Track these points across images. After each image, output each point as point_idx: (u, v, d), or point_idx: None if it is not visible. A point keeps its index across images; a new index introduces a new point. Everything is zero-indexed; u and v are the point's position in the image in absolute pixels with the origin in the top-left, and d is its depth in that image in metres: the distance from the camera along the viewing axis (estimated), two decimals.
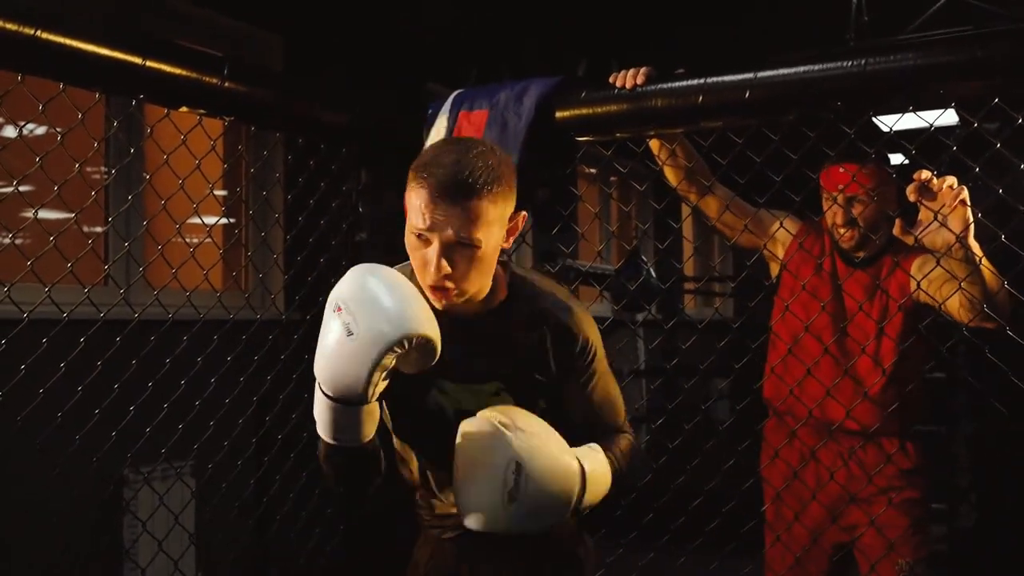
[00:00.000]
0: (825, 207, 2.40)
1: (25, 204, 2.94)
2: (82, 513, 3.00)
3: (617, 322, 2.73)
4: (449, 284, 1.43)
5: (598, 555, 1.77)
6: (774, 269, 2.55)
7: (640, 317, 5.46)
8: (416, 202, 1.41)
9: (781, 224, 2.47)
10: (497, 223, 1.44)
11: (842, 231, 2.35)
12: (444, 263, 1.40)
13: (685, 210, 2.60)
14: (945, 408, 4.26)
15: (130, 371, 2.21)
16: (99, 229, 3.41)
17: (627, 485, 1.68)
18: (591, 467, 1.51)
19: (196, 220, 2.31)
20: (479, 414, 1.50)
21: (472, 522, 1.47)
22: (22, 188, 1.93)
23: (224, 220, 3.98)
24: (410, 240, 1.45)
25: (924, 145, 2.05)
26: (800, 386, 2.36)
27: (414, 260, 1.46)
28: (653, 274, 4.74)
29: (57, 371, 2.04)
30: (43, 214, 1.97)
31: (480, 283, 1.47)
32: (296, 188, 2.65)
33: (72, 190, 2.08)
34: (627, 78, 2.13)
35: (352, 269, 1.45)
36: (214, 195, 2.41)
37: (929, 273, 2.11)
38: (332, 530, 2.88)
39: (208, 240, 2.45)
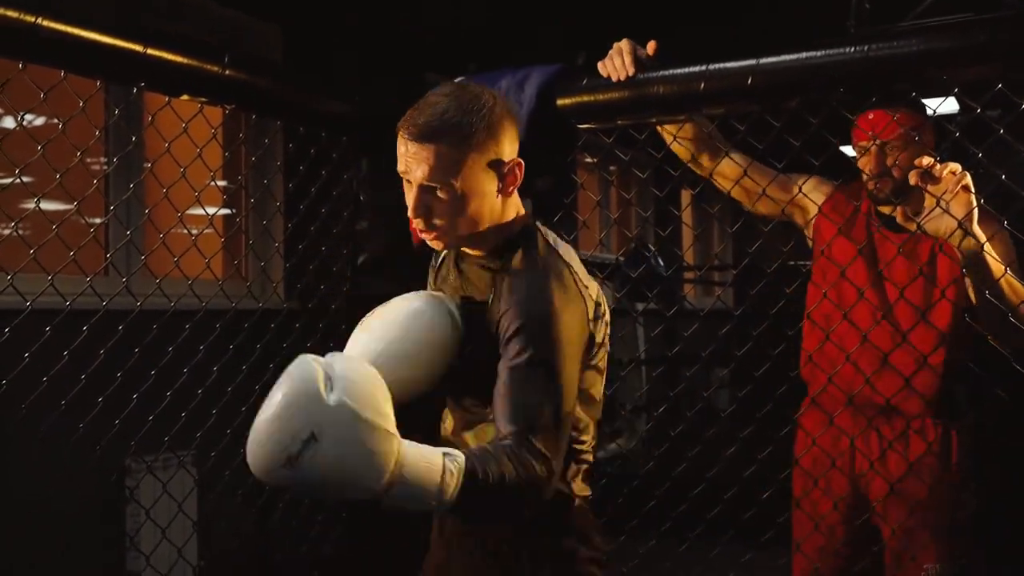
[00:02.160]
0: (858, 158, 2.25)
1: (26, 194, 2.94)
2: (85, 501, 3.00)
3: (617, 311, 2.73)
4: (428, 226, 1.47)
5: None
6: (808, 231, 2.41)
7: (640, 307, 5.47)
8: (399, 146, 1.45)
9: (802, 186, 2.36)
10: (475, 168, 1.44)
11: (875, 183, 2.20)
12: (417, 206, 1.45)
13: (685, 198, 2.58)
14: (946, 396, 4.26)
15: (132, 360, 2.21)
16: (100, 219, 3.41)
17: (494, 511, 1.40)
18: (411, 470, 1.25)
19: (197, 209, 2.31)
20: (306, 356, 1.28)
21: (250, 462, 1.24)
22: (22, 179, 1.92)
23: (225, 209, 3.98)
24: (405, 185, 1.49)
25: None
26: (842, 365, 2.21)
27: (407, 202, 1.49)
28: (661, 262, 4.73)
29: (60, 360, 2.04)
30: (44, 204, 1.97)
31: (464, 227, 1.48)
32: (297, 177, 2.64)
33: (72, 179, 2.08)
34: (617, 69, 2.07)
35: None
36: (215, 184, 2.40)
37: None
38: (335, 518, 2.89)
39: (209, 229, 2.45)
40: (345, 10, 4.09)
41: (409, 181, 1.46)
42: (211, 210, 2.32)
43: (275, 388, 1.24)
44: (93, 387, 2.16)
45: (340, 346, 1.58)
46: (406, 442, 1.27)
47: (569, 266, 1.54)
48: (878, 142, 2.17)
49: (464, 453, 1.32)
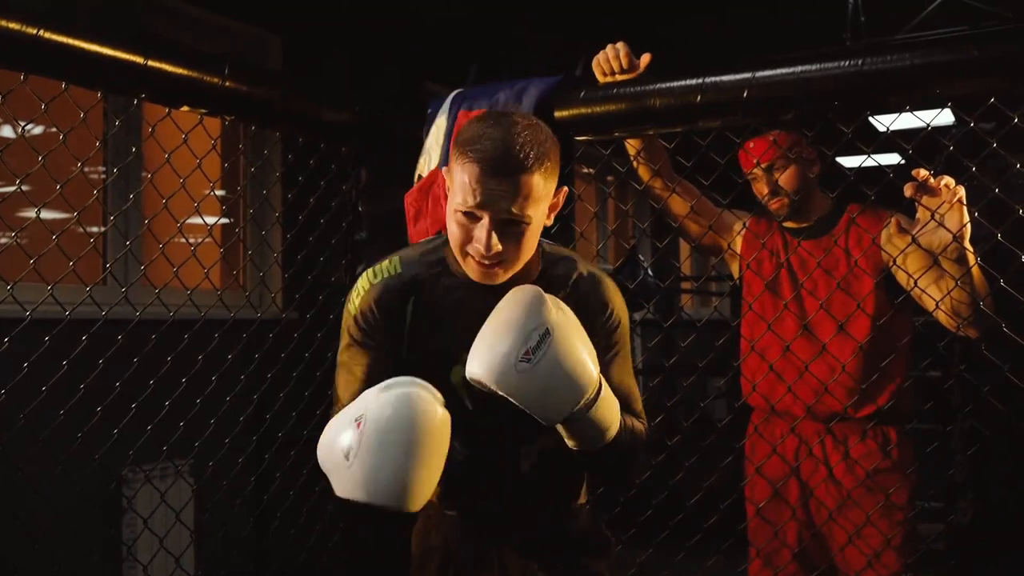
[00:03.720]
0: (754, 188, 2.38)
1: (24, 203, 2.95)
2: (83, 511, 3.00)
3: None
4: (497, 260, 1.42)
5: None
6: (735, 270, 2.52)
7: (638, 316, 5.48)
8: (464, 178, 1.38)
9: (745, 225, 2.45)
10: (545, 199, 1.42)
11: (772, 204, 2.32)
12: (495, 240, 1.39)
13: None
14: (942, 405, 4.27)
15: (131, 370, 2.22)
16: (100, 229, 3.42)
17: (626, 465, 1.58)
18: (606, 392, 1.44)
19: (196, 219, 2.32)
20: (528, 286, 1.44)
21: (477, 369, 1.37)
22: (13, 188, 1.93)
23: (224, 219, 3.99)
24: (456, 218, 1.41)
25: (920, 145, 2.06)
26: (773, 383, 2.30)
27: (458, 237, 1.43)
28: (651, 273, 4.77)
29: (59, 370, 2.05)
30: (46, 215, 1.98)
31: (524, 260, 1.47)
32: (295, 187, 2.65)
33: (71, 190, 2.09)
34: (611, 60, 2.11)
35: (394, 387, 1.37)
36: (214, 194, 2.41)
37: (905, 249, 2.02)
38: (333, 527, 2.89)
39: (208, 239, 2.46)
40: (344, 14, 4.11)
41: (475, 214, 1.39)
42: (210, 221, 2.32)
43: (502, 306, 1.41)
44: (92, 397, 2.16)
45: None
46: None
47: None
48: (763, 166, 2.30)
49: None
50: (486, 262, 1.42)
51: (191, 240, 2.30)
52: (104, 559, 3.14)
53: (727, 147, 2.16)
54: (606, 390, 1.44)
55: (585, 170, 6.06)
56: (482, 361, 1.36)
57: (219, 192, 3.88)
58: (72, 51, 1.78)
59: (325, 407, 2.73)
